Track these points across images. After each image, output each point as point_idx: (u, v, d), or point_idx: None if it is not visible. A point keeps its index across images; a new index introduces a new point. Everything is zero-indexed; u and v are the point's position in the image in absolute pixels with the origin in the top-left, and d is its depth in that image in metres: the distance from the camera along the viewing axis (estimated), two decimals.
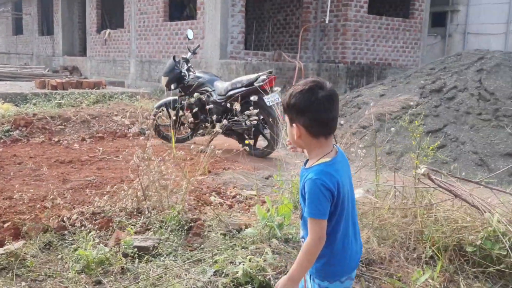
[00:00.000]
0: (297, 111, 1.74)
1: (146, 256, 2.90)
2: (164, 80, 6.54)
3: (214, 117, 5.62)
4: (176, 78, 6.48)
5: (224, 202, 4.03)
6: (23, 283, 2.59)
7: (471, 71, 7.14)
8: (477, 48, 10.65)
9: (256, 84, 5.75)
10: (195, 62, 10.92)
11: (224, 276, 2.66)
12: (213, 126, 6.07)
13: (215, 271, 2.72)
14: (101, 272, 2.72)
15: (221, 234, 3.18)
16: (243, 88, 5.86)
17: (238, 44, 11.68)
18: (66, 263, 2.81)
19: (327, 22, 12.62)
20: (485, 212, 2.86)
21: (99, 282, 2.65)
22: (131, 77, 14.92)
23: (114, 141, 6.83)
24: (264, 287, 2.62)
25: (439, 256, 2.89)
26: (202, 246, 3.09)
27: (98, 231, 3.27)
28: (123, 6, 15.21)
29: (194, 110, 5.97)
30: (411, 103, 6.46)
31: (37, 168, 5.08)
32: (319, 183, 1.70)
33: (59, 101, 8.50)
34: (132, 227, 3.31)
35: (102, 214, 3.53)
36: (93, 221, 3.40)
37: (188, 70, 6.54)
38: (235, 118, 5.60)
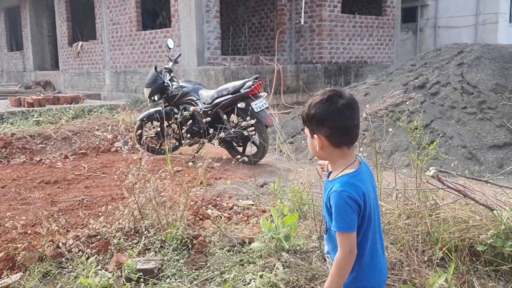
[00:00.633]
0: (317, 122, 1.71)
1: (151, 280, 2.78)
2: (146, 91, 6.39)
3: (202, 126, 5.51)
4: (159, 88, 6.34)
5: (222, 215, 3.92)
6: None
7: (452, 65, 7.19)
8: (448, 41, 10.79)
9: (242, 91, 5.66)
10: (173, 71, 10.77)
11: None
12: (201, 136, 5.98)
13: None
14: None
15: (226, 250, 3.08)
16: (230, 96, 5.76)
17: (215, 50, 11.58)
18: None
19: (302, 23, 12.63)
20: (493, 209, 2.83)
21: None
22: (106, 88, 14.66)
23: (98, 157, 6.65)
24: None
25: (451, 257, 2.85)
26: (207, 264, 2.99)
27: (96, 255, 3.13)
28: (94, 17, 14.95)
29: (178, 120, 5.84)
30: (397, 101, 6.46)
31: (22, 191, 4.89)
32: (345, 195, 1.65)
33: (37, 119, 8.25)
34: (132, 248, 3.18)
35: (98, 237, 3.38)
36: (90, 245, 3.26)
37: (171, 80, 6.41)
38: (224, 126, 5.50)
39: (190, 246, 3.19)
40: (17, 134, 7.05)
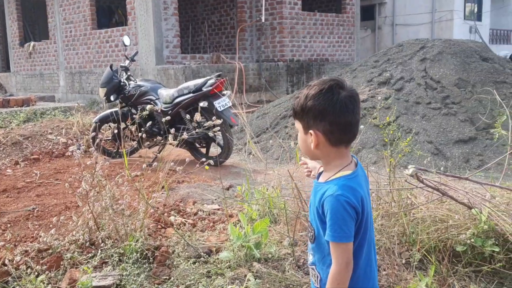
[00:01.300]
0: (315, 115, 1.48)
1: None
2: (102, 91, 6.04)
3: (162, 127, 5.22)
4: (115, 88, 6.00)
5: (186, 221, 3.66)
6: None
7: (415, 61, 7.16)
8: (406, 39, 10.84)
9: (204, 89, 5.40)
10: (130, 70, 10.39)
11: None
12: (161, 137, 5.68)
13: None
14: None
15: (191, 261, 2.83)
16: (191, 94, 5.49)
17: (174, 48, 11.25)
18: None
19: (263, 21, 12.46)
20: (471, 208, 2.70)
21: None
22: (61, 90, 14.06)
23: (52, 162, 6.25)
24: None
25: (430, 259, 2.70)
26: (171, 277, 2.74)
27: (47, 272, 2.83)
28: (46, 16, 14.32)
29: (137, 121, 5.54)
30: (362, 98, 6.36)
31: None
32: (343, 200, 1.43)
33: None
34: (87, 263, 2.89)
35: (50, 251, 3.07)
36: (40, 261, 2.95)
37: (128, 79, 6.08)
38: (186, 126, 5.23)
39: (151, 258, 2.92)
40: None
